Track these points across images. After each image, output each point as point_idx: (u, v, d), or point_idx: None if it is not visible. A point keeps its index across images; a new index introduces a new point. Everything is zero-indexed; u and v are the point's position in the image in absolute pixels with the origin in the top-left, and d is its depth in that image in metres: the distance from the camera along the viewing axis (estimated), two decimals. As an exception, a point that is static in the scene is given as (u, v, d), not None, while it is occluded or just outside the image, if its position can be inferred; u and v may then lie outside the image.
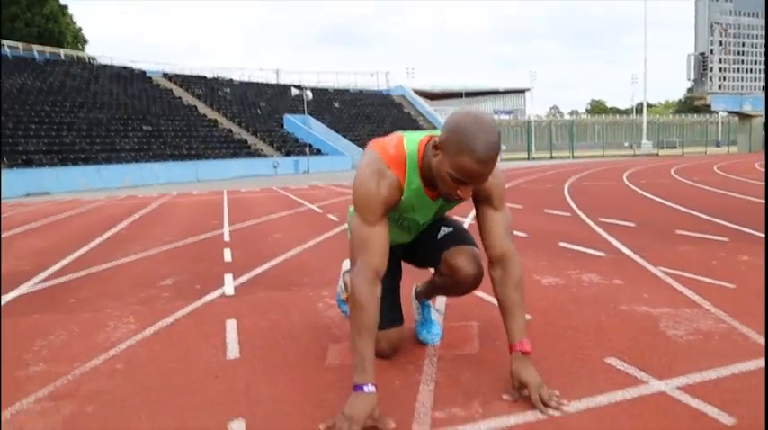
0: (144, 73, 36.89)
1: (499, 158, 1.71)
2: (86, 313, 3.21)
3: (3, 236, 7.22)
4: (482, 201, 1.98)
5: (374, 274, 1.82)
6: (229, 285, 3.78)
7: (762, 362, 2.10)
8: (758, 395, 1.83)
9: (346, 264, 2.84)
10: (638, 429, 1.65)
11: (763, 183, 10.89)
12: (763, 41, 40.15)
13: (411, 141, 1.89)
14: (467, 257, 2.14)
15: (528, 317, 2.14)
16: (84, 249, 5.72)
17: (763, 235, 4.87)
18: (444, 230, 2.25)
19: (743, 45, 40.13)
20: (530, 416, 1.76)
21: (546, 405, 1.78)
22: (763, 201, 7.63)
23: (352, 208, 2.24)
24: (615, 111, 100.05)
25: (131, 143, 26.24)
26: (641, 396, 1.86)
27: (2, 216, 10.22)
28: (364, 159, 1.91)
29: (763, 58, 40.83)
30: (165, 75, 38.14)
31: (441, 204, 2.03)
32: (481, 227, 2.01)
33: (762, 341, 2.31)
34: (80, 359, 2.43)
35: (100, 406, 1.97)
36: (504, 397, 1.87)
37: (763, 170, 15.70)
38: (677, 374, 2.02)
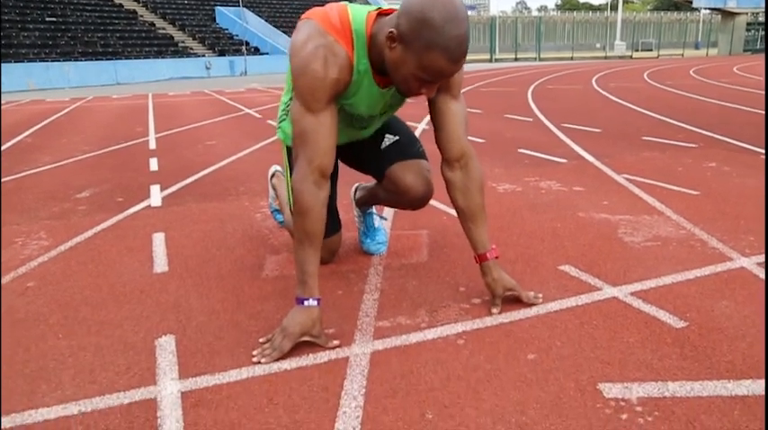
0: (41, -51, 34.08)
1: None
2: (-9, 228, 3.13)
3: None
4: (439, 89, 1.81)
5: (319, 174, 1.72)
6: (156, 196, 3.73)
7: (718, 268, 2.25)
8: (710, 300, 1.97)
9: (273, 169, 2.83)
10: (587, 334, 1.76)
11: (743, 88, 11.19)
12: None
13: (357, 14, 1.70)
14: (415, 175, 2.11)
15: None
16: (-15, 159, 5.50)
17: (732, 140, 5.07)
18: (389, 139, 2.18)
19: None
20: (477, 323, 1.85)
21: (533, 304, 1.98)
22: (739, 107, 7.88)
23: (285, 98, 2.18)
24: (588, 7, 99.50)
25: (32, 38, 24.64)
26: (593, 302, 1.98)
27: None
28: (302, 32, 1.68)
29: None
30: (68, -46, 35.40)
31: (391, 94, 1.88)
32: (438, 121, 1.88)
33: (720, 246, 2.47)
34: (-15, 277, 2.40)
35: (8, 326, 1.96)
36: (494, 310, 1.93)
37: (743, 74, 16.09)
38: (631, 281, 2.14)
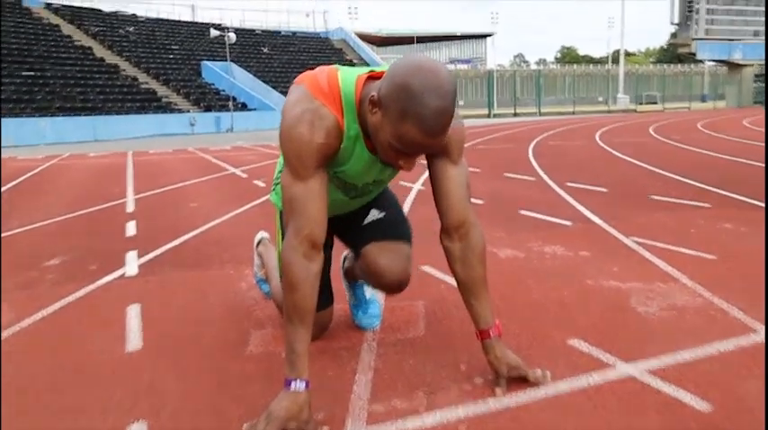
0: (20, 1, 34.98)
1: (458, 103, 1.63)
2: (-50, 300, 3.07)
3: None
4: (437, 153, 1.82)
5: (308, 245, 1.71)
6: (132, 264, 3.69)
7: (741, 341, 2.20)
8: (737, 377, 1.92)
9: (260, 235, 2.82)
10: (602, 419, 1.70)
11: (754, 143, 11.36)
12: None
13: (347, 77, 1.72)
14: (391, 259, 2.07)
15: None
16: (-50, 223, 5.46)
17: (747, 198, 5.09)
18: (373, 215, 2.16)
19: (734, -18, 41.05)
20: (480, 406, 1.80)
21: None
22: (752, 163, 7.97)
23: (280, 163, 2.18)
24: (588, 60, 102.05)
25: (8, 92, 24.98)
26: (607, 381, 1.92)
27: None
28: (291, 97, 1.72)
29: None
30: (48, 5, 36.34)
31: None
32: (437, 187, 1.88)
33: (742, 316, 2.43)
34: (-59, 356, 2.33)
35: (-36, 411, 1.89)
36: (498, 392, 1.88)
37: (754, 128, 16.38)
38: (647, 356, 2.09)
